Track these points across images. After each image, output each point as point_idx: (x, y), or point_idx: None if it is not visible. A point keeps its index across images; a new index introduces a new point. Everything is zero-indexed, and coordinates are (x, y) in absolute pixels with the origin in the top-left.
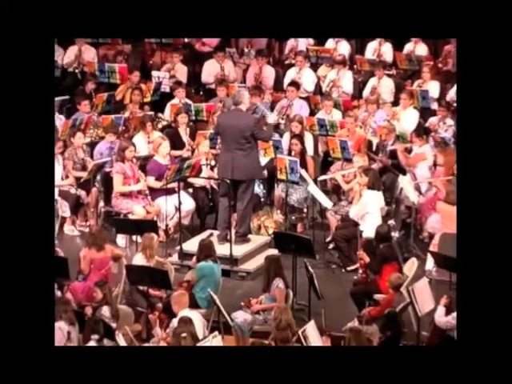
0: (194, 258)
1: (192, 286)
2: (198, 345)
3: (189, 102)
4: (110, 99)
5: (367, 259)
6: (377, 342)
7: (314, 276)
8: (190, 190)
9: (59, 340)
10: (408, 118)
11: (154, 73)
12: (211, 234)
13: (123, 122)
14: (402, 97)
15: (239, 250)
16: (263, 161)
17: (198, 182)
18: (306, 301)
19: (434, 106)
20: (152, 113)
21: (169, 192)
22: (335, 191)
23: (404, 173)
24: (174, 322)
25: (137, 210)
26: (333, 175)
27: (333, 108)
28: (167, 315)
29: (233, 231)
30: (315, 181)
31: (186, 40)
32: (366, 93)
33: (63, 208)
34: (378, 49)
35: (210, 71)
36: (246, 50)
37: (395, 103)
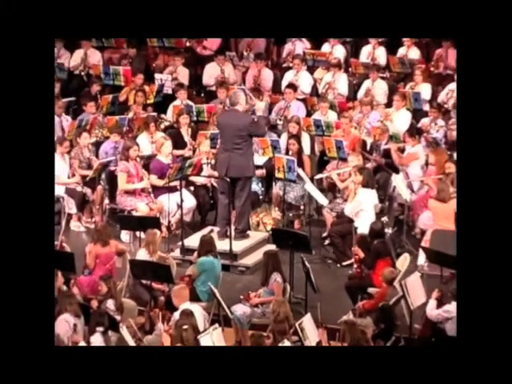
0: (195, 253)
1: (193, 280)
2: (199, 337)
3: (190, 103)
4: (115, 101)
5: (362, 254)
6: (371, 334)
7: (310, 271)
8: (192, 188)
9: (65, 332)
10: (401, 119)
11: (157, 75)
12: (212, 230)
13: (127, 122)
14: (395, 98)
15: (238, 246)
16: (262, 160)
17: (199, 180)
18: (303, 294)
19: (426, 107)
20: (155, 114)
21: (171, 190)
22: (331, 189)
23: (397, 171)
24: (176, 314)
25: (140, 207)
26: (328, 174)
27: (328, 109)
28: (169, 310)
29: (232, 227)
30: (312, 179)
31: (188, 44)
32: (360, 95)
33: (70, 205)
34: (372, 52)
35: (210, 74)
36: (246, 54)
37: (388, 105)
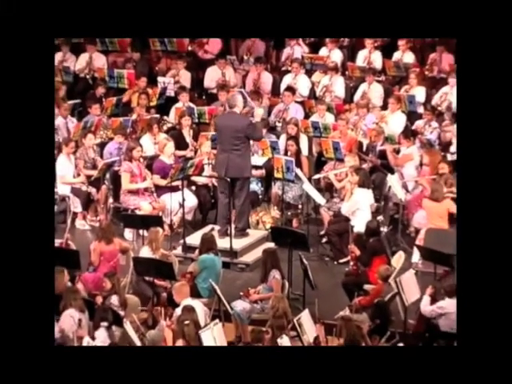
0: (197, 251)
1: (195, 276)
2: (200, 332)
3: (192, 105)
4: (119, 103)
5: (358, 252)
6: (366, 329)
7: (308, 268)
8: (193, 188)
9: (70, 327)
10: (396, 121)
11: (160, 78)
12: (212, 229)
13: (131, 124)
14: (390, 101)
15: (238, 244)
16: (261, 160)
17: (201, 180)
18: (301, 291)
19: (420, 109)
20: (158, 116)
21: (173, 189)
22: (328, 189)
23: (392, 172)
24: (178, 310)
25: (143, 206)
26: (326, 174)
27: (326, 111)
28: (171, 306)
29: (232, 226)
30: (310, 179)
31: (190, 48)
32: (356, 97)
33: (75, 204)
34: (368, 56)
35: (211, 77)
36: (246, 58)
37: (384, 107)
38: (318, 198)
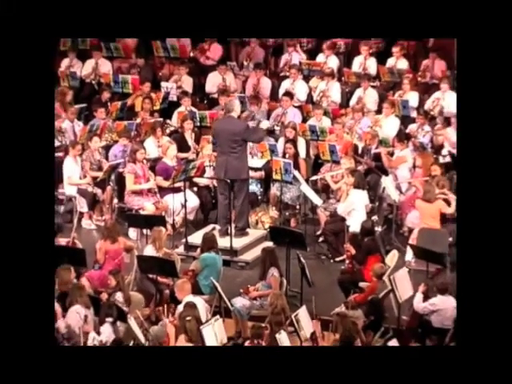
0: (198, 250)
1: (196, 274)
2: (202, 327)
3: (194, 109)
4: (124, 107)
5: (353, 251)
6: (361, 325)
7: (305, 266)
8: (195, 189)
9: (76, 323)
10: (390, 125)
11: (163, 84)
12: (214, 228)
13: (135, 127)
14: (384, 106)
15: (238, 243)
16: (260, 162)
17: (202, 181)
18: (299, 288)
19: (414, 114)
20: (161, 119)
21: (176, 190)
22: (325, 190)
23: (386, 174)
24: (180, 307)
25: (147, 206)
26: (323, 176)
27: (323, 116)
28: (174, 303)
29: (233, 226)
30: (307, 181)
31: (192, 54)
32: (352, 102)
33: (81, 204)
34: (364, 63)
35: (213, 82)
36: (246, 63)
37: (379, 112)
38: (315, 199)
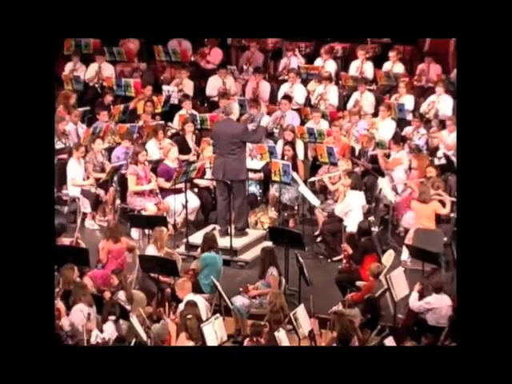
0: (199, 249)
1: (197, 273)
2: (202, 325)
3: (195, 112)
4: (126, 110)
5: (350, 251)
6: (358, 323)
7: (303, 265)
8: (196, 190)
9: (79, 321)
10: (386, 128)
11: (165, 87)
12: (214, 228)
13: (137, 130)
14: (381, 109)
15: (238, 243)
16: (260, 164)
17: (203, 182)
18: (297, 287)
19: (409, 117)
20: (162, 122)
21: (177, 191)
22: (322, 191)
23: (383, 175)
24: (181, 305)
25: (149, 207)
26: (320, 177)
27: (320, 118)
28: (175, 301)
29: (232, 226)
30: (305, 182)
31: (193, 58)
32: (349, 105)
33: (85, 205)
34: (361, 67)
35: (213, 86)
36: (245, 67)
37: (375, 114)
38: (313, 200)
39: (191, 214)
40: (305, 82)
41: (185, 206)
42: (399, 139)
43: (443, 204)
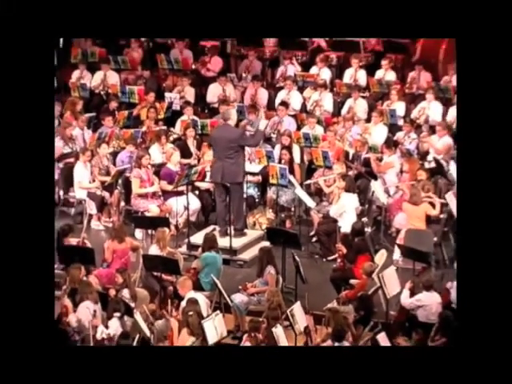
0: (200, 249)
1: (198, 272)
2: (203, 322)
3: (196, 118)
4: (130, 116)
5: (344, 250)
6: (352, 319)
7: (299, 264)
8: (197, 192)
9: (86, 317)
10: (379, 133)
11: (167, 94)
12: (214, 229)
13: (141, 135)
14: (373, 115)
15: (237, 243)
16: (258, 168)
17: (203, 185)
18: (293, 285)
19: (401, 122)
20: (165, 127)
21: (179, 194)
22: (318, 193)
23: (375, 178)
24: (183, 303)
25: (152, 209)
26: (316, 180)
27: (316, 124)
28: (177, 299)
29: (232, 227)
30: (301, 185)
31: (194, 66)
32: (343, 111)
33: (91, 207)
34: (354, 75)
35: (213, 93)
36: (244, 75)
37: (368, 120)
38: (309, 202)
39: (192, 215)
40: (301, 89)
41: (186, 208)
42: (391, 144)
43: (433, 205)
